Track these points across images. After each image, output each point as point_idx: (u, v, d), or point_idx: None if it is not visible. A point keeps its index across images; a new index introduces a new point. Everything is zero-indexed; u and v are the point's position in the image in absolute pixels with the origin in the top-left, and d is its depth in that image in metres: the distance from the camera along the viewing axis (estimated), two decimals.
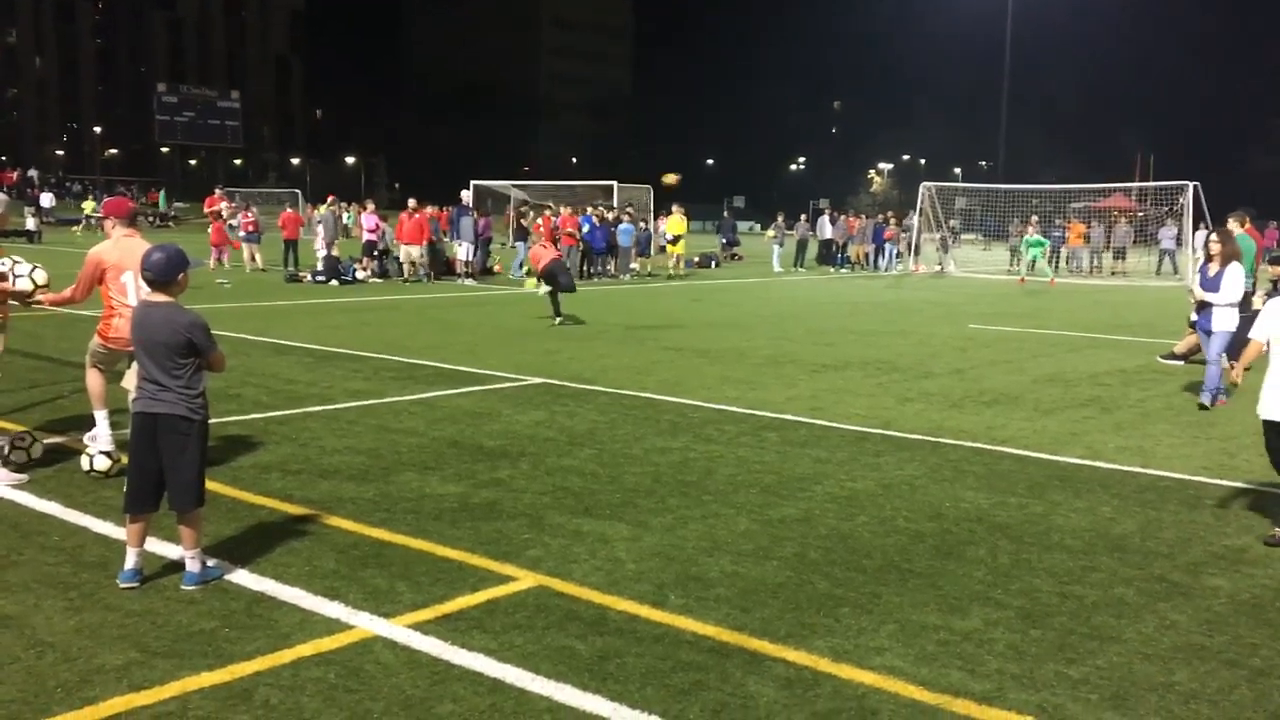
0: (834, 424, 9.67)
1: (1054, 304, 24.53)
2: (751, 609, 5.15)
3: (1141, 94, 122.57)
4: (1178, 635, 4.98)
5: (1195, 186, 32.79)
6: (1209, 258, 11.12)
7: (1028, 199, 40.13)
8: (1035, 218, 34.76)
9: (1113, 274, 35.33)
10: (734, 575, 5.62)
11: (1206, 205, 31.86)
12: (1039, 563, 5.95)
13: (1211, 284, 10.88)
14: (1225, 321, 10.83)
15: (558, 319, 17.41)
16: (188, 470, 5.30)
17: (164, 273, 5.37)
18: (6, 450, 7.29)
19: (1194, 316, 11.39)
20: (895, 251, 36.60)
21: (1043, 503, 7.18)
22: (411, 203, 27.26)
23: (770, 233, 37.88)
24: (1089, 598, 5.42)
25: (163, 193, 68.52)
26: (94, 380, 7.78)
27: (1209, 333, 11.05)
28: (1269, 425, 6.48)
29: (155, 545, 5.70)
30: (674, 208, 32.99)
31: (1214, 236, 11.20)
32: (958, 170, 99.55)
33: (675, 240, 31.04)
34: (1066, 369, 13.55)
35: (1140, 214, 39.23)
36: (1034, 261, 32.19)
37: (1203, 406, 10.74)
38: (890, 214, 40.36)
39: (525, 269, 25.51)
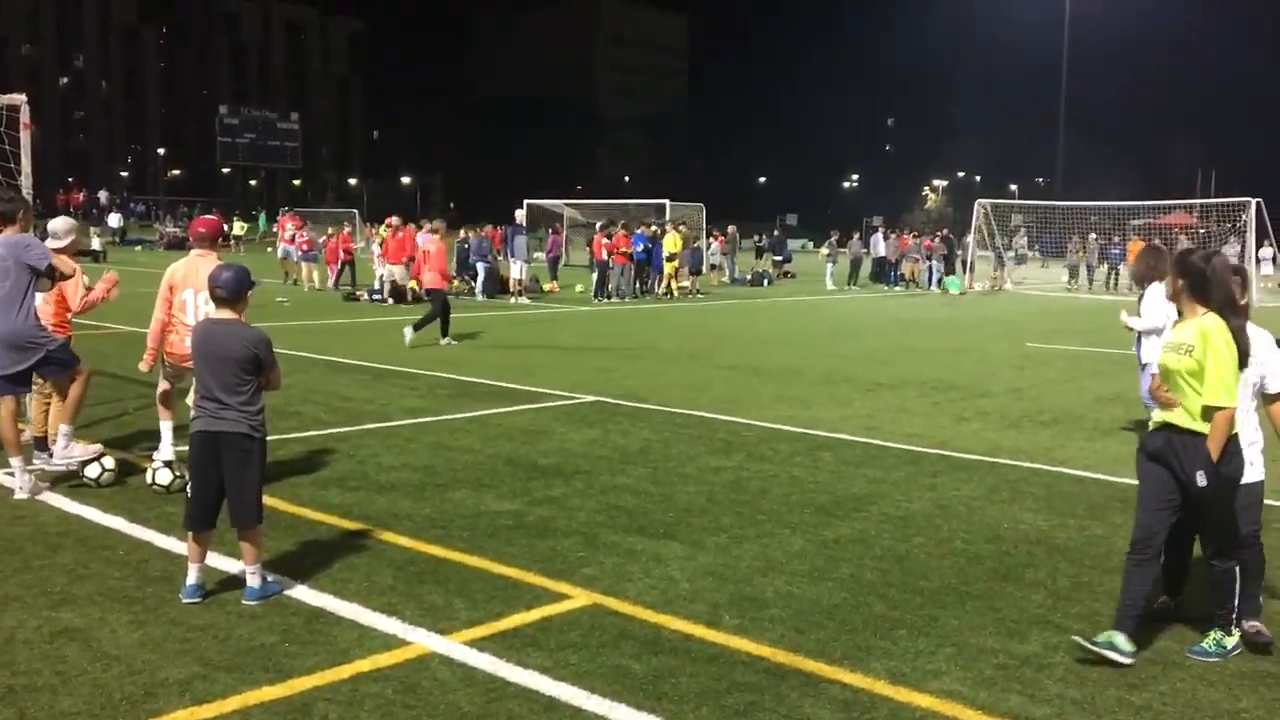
0: (889, 443, 9.59)
1: (1114, 322, 24.12)
2: (807, 630, 5.12)
3: (1202, 109, 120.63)
4: (1243, 661, 4.88)
5: (1258, 203, 32.17)
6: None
7: (1086, 216, 39.59)
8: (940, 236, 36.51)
9: None
10: (789, 596, 5.60)
11: (1270, 222, 31.26)
12: (1100, 586, 5.86)
13: (1141, 307, 9.26)
14: (1155, 352, 9.09)
15: (445, 339, 16.42)
16: (249, 488, 5.40)
17: (234, 290, 5.50)
18: (80, 467, 7.49)
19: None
20: (938, 268, 36.10)
21: (1104, 524, 7.07)
22: (394, 220, 26.63)
23: (824, 250, 37.71)
24: (1152, 621, 5.32)
25: (263, 215, 66.72)
26: (163, 393, 8.02)
27: (1144, 366, 9.19)
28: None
29: (217, 560, 5.79)
30: (668, 225, 31.41)
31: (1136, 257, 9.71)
32: (1014, 187, 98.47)
33: (670, 259, 29.38)
34: (1128, 388, 13.31)
35: (1202, 231, 38.55)
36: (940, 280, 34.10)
37: None
38: (944, 231, 40.02)
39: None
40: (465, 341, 17.28)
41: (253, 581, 5.41)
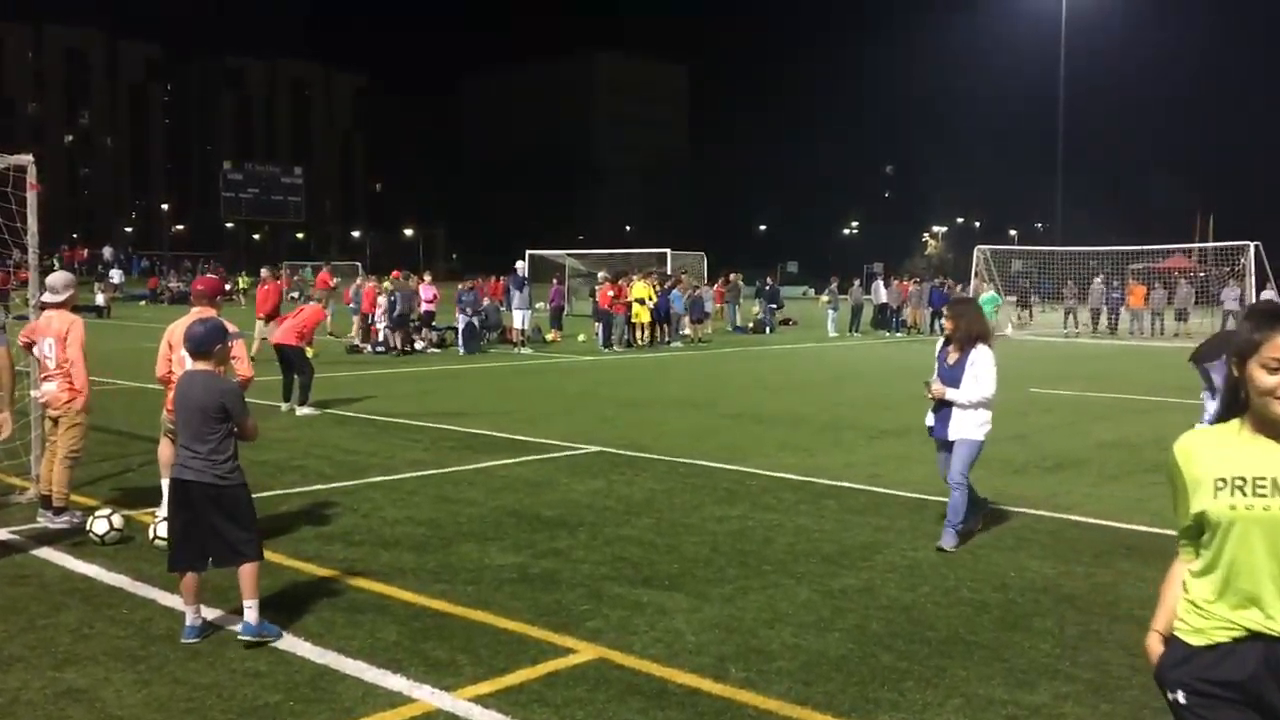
0: (894, 491, 9.57)
1: (1116, 366, 24.18)
2: (814, 682, 5.09)
3: (1200, 154, 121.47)
4: None
5: (1256, 246, 32.33)
6: (947, 337, 7.86)
7: (1085, 261, 39.77)
8: (983, 278, 35.96)
9: (1175, 335, 34.81)
10: (795, 647, 5.57)
11: (1269, 265, 31.41)
12: (1108, 634, 5.82)
13: (951, 375, 7.63)
14: (969, 427, 7.59)
15: (300, 407, 14.31)
16: (227, 531, 5.56)
17: (202, 344, 5.79)
18: (89, 524, 7.48)
19: (929, 420, 7.93)
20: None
21: (1110, 572, 7.04)
22: (264, 272, 25.45)
23: (824, 297, 37.80)
24: None
25: (308, 272, 62.91)
26: (164, 449, 8.04)
27: (947, 444, 7.75)
28: None
29: (220, 618, 5.79)
30: (635, 273, 31.01)
31: (947, 309, 8.08)
32: (1013, 232, 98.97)
33: (641, 303, 28.65)
34: (1131, 433, 13.33)
35: (1201, 274, 38.70)
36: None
37: (942, 549, 7.47)
38: (946, 280, 40.18)
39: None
40: (468, 393, 17.29)
41: (249, 616, 5.53)
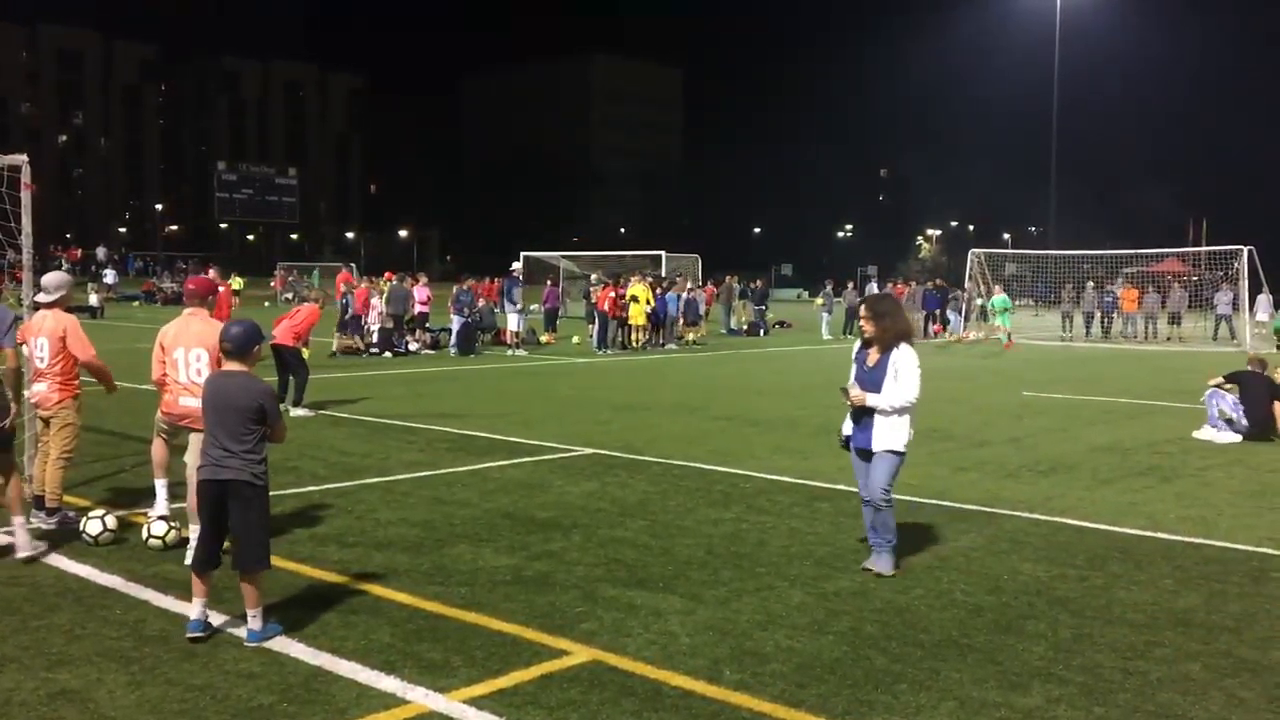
0: None
1: (1109, 370, 24.23)
2: (808, 685, 5.10)
3: (1195, 156, 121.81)
4: (1246, 713, 4.86)
5: (1250, 250, 32.41)
6: (865, 339, 7.30)
7: (1079, 264, 39.86)
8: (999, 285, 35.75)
9: (1168, 339, 34.89)
10: (789, 650, 5.57)
11: (1263, 269, 31.51)
12: (1101, 637, 5.84)
13: (872, 378, 7.06)
14: (892, 438, 7.02)
15: (295, 408, 14.34)
16: (253, 533, 5.60)
17: (241, 345, 5.79)
18: (82, 524, 7.47)
19: (846, 429, 7.31)
20: (956, 320, 36.08)
21: (1103, 575, 7.06)
22: (211, 272, 24.08)
23: (819, 300, 37.81)
24: (1154, 674, 5.31)
25: (315, 273, 61.63)
26: (157, 449, 8.01)
27: (869, 455, 7.08)
28: None
29: (214, 617, 5.78)
30: (632, 276, 30.87)
31: (866, 309, 7.37)
32: (1006, 236, 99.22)
33: (636, 301, 28.35)
34: (1124, 437, 13.35)
35: (1195, 278, 38.79)
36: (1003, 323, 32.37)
37: (879, 573, 6.96)
38: (940, 283, 40.18)
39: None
40: (462, 395, 17.27)
41: (253, 624, 5.55)
